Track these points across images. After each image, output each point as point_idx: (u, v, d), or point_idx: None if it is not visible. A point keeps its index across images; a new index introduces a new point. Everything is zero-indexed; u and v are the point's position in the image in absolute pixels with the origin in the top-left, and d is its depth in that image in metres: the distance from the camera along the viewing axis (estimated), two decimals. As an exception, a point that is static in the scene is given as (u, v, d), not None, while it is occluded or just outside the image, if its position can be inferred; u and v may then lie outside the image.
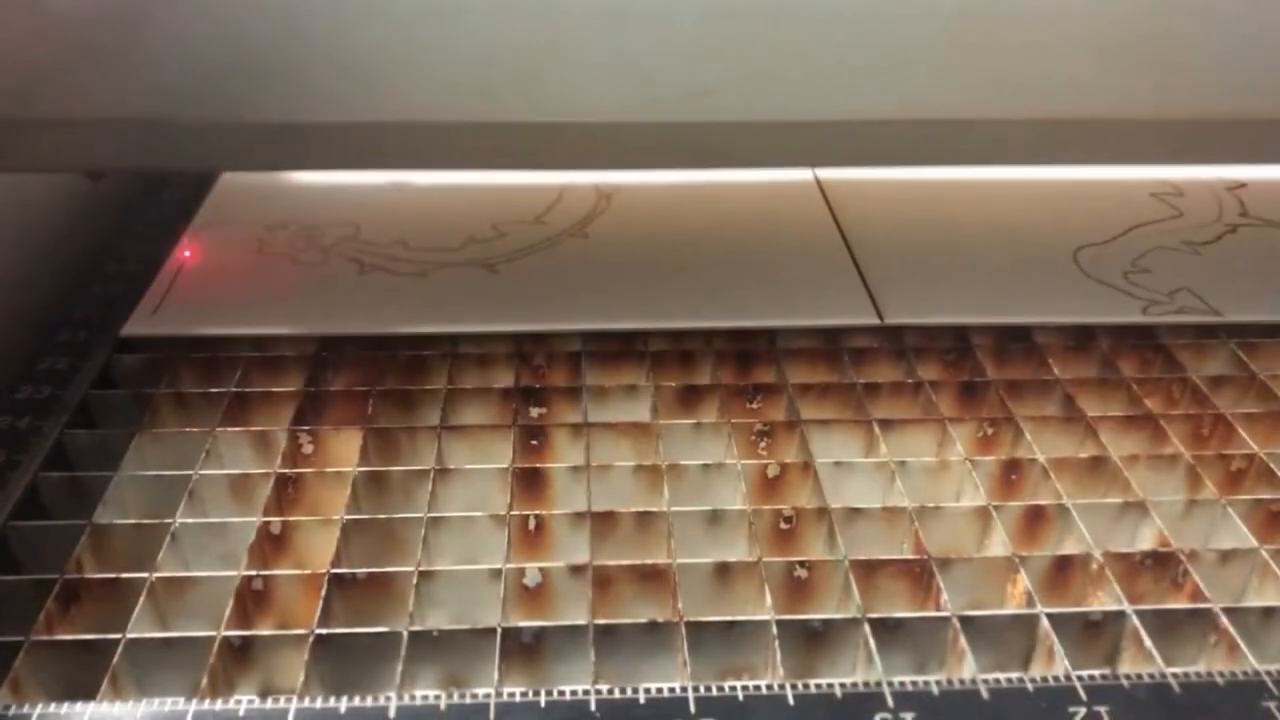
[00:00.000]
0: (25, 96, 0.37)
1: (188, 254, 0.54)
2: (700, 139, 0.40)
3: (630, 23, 0.37)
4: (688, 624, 0.34)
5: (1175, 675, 0.32)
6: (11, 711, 0.31)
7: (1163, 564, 0.37)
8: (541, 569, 0.36)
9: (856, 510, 0.39)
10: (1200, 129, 0.40)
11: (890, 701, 0.31)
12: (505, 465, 0.41)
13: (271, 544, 0.38)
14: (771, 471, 0.41)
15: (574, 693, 0.31)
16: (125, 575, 0.36)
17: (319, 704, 0.31)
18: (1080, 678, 0.32)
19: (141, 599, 0.35)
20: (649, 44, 0.38)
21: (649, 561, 0.36)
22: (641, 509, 0.39)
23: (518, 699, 0.31)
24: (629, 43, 0.38)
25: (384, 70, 0.38)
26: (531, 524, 0.38)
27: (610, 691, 0.31)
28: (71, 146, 0.38)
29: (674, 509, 0.39)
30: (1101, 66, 0.38)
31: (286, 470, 0.40)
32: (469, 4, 0.37)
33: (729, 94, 0.38)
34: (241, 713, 0.31)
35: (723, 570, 0.36)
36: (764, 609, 0.35)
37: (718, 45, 0.38)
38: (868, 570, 0.36)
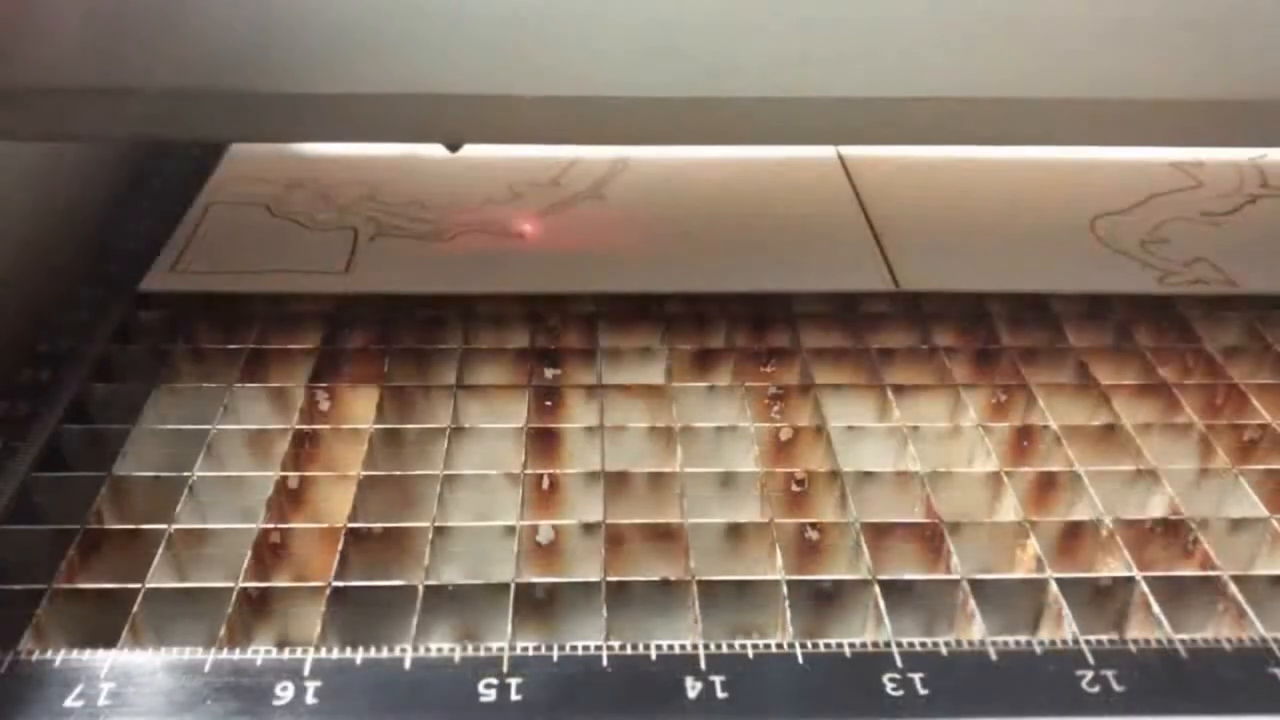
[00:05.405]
0: (55, 66, 0.37)
1: (206, 210, 0.54)
2: (723, 115, 0.40)
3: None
4: (699, 583, 0.34)
5: (1183, 641, 0.32)
6: (35, 657, 0.31)
7: (1173, 532, 0.37)
8: (555, 526, 0.36)
9: (868, 474, 0.39)
10: (1236, 111, 0.39)
11: (899, 661, 0.31)
12: (520, 425, 0.41)
13: (289, 498, 0.38)
14: (784, 435, 0.41)
15: (586, 648, 0.32)
16: (145, 526, 0.36)
17: (335, 655, 0.31)
18: (1088, 642, 0.32)
19: (160, 550, 0.35)
20: (672, 18, 0.37)
21: (661, 521, 0.37)
22: (654, 469, 0.39)
23: (530, 653, 0.31)
24: (651, 16, 0.37)
25: (401, 42, 0.37)
26: (545, 483, 0.39)
27: (622, 647, 0.32)
28: (99, 115, 0.38)
29: (687, 470, 0.39)
30: (1131, 46, 0.38)
31: (304, 426, 0.41)
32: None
33: (753, 70, 0.38)
34: (259, 663, 0.31)
35: (734, 531, 0.37)
36: (775, 569, 0.35)
37: (742, 20, 0.37)
38: (878, 533, 0.37)
